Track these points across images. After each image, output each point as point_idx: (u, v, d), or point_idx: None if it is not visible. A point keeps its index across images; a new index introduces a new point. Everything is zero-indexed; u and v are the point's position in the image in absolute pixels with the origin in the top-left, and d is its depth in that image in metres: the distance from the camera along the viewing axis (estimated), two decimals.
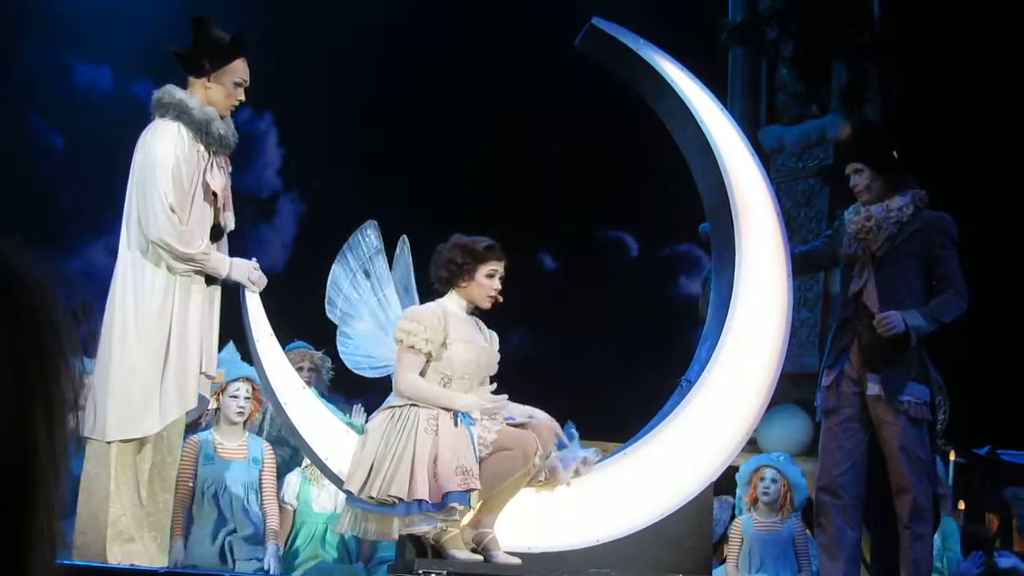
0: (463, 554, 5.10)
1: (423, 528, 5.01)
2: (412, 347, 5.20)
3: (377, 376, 5.66)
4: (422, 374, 5.25)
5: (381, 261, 5.71)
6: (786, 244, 6.41)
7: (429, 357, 5.23)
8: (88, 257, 11.40)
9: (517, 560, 5.26)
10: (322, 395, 7.05)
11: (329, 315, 5.66)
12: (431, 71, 12.35)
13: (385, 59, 12.25)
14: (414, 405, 5.15)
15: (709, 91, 6.54)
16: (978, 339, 9.79)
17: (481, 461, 5.08)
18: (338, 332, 5.65)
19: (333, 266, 5.70)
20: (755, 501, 7.15)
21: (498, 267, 5.41)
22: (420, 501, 4.93)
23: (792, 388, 8.95)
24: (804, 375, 9.21)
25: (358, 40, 12.02)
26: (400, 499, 4.95)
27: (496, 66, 12.13)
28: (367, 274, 5.68)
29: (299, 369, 6.92)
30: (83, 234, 11.69)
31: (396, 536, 5.08)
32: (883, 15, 9.88)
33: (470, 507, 5.06)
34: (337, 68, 12.10)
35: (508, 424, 5.24)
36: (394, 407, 5.18)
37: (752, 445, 6.97)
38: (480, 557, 5.16)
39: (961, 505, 7.83)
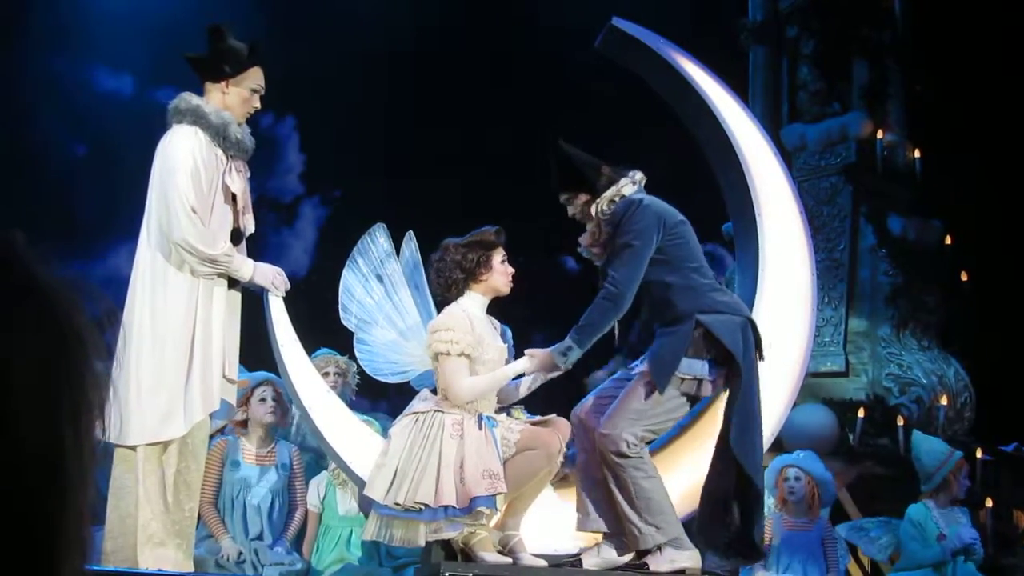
0: (492, 556, 5.10)
1: (450, 533, 5.01)
2: (462, 354, 5.19)
3: (398, 381, 5.67)
4: (438, 377, 5.28)
5: (393, 264, 5.71)
6: (809, 242, 6.39)
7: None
8: (112, 262, 11.45)
9: (543, 562, 5.26)
10: (349, 400, 7.07)
11: (344, 322, 5.65)
12: (451, 73, 12.34)
13: (406, 61, 12.25)
14: (439, 411, 5.16)
15: (730, 90, 6.53)
16: (1005, 336, 9.74)
17: (505, 462, 5.08)
18: (355, 339, 5.64)
19: (344, 272, 5.69)
20: (784, 502, 7.12)
21: (504, 252, 5.44)
22: (447, 507, 4.94)
23: (817, 387, 8.93)
24: (829, 374, 9.19)
25: (379, 43, 12.02)
26: (427, 505, 4.96)
27: (518, 67, 12.12)
28: (380, 279, 5.68)
29: (325, 375, 6.92)
30: (106, 240, 11.73)
31: (423, 542, 5.07)
32: (903, 12, 9.84)
33: (496, 510, 5.06)
34: (357, 71, 12.10)
35: (529, 423, 5.24)
36: (418, 412, 5.18)
37: (777, 444, 6.94)
38: (508, 559, 5.16)
39: (988, 502, 7.79)
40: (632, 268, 5.16)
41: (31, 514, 0.86)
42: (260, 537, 6.45)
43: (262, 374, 6.53)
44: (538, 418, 5.28)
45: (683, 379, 5.14)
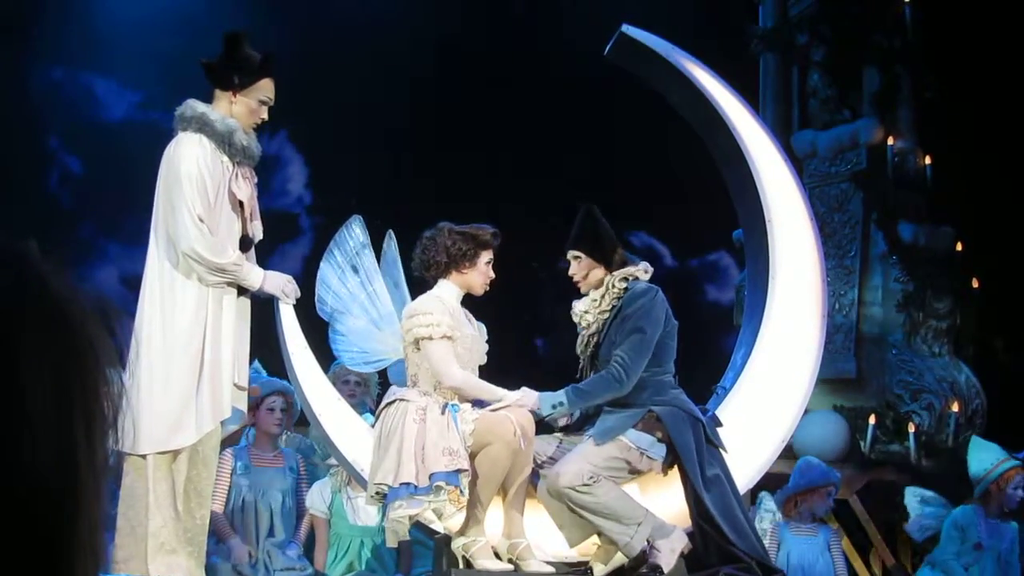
0: (493, 563, 5.10)
1: (412, 510, 4.99)
2: (445, 336, 5.22)
3: (372, 370, 5.72)
4: (417, 365, 5.27)
5: (368, 255, 5.74)
6: (820, 249, 6.39)
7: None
8: (100, 284, 11.37)
9: (551, 569, 5.25)
10: (371, 409, 7.09)
11: (320, 313, 5.66)
12: (455, 80, 12.32)
13: (407, 67, 12.19)
14: (403, 399, 5.18)
15: (740, 97, 6.52)
16: (1016, 342, 9.72)
17: (473, 473, 5.09)
18: (330, 329, 5.66)
19: (321, 264, 5.71)
20: (798, 512, 7.07)
21: (493, 256, 5.47)
22: (407, 484, 4.95)
23: (828, 394, 8.91)
24: (839, 380, 9.17)
25: (377, 47, 11.99)
26: (388, 486, 4.98)
27: (524, 73, 12.10)
28: (355, 269, 5.70)
29: (346, 383, 6.94)
30: (95, 261, 11.66)
31: (384, 522, 5.05)
32: (914, 18, 9.82)
33: (460, 489, 5.02)
34: (351, 80, 12.06)
35: (489, 409, 5.23)
36: (390, 403, 5.23)
37: (788, 451, 6.92)
38: (511, 566, 5.16)
39: None
40: (641, 355, 5.37)
41: (44, 521, 0.86)
42: (272, 533, 6.48)
43: (278, 382, 6.54)
44: (499, 403, 5.26)
45: (630, 447, 5.30)
